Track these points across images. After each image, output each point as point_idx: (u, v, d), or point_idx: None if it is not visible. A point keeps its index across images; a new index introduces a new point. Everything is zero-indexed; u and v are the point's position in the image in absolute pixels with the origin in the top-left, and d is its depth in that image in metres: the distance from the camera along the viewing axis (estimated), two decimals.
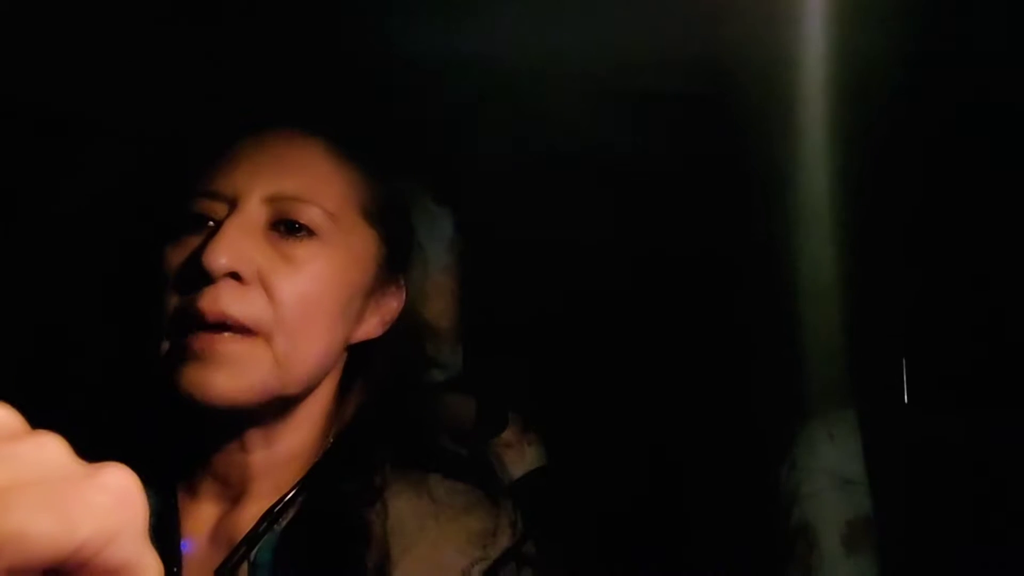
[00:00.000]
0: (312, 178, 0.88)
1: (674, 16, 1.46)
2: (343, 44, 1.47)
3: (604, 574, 1.66)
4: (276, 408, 0.86)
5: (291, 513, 0.86)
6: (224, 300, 0.81)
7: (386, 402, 0.93)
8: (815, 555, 1.46)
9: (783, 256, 1.74)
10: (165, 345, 0.84)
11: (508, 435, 1.49)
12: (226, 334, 0.81)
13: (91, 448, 0.89)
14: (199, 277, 0.82)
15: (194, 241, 0.85)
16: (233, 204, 0.85)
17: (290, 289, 0.84)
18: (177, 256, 0.85)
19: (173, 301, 0.84)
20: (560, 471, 1.54)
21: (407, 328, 0.96)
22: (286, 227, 0.85)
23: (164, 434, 0.89)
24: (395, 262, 0.95)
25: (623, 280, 1.94)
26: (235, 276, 0.82)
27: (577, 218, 1.85)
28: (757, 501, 1.58)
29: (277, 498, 0.86)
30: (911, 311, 1.67)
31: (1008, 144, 1.60)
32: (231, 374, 0.81)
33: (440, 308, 1.50)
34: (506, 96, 1.63)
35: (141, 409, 0.90)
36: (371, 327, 0.92)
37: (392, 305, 0.95)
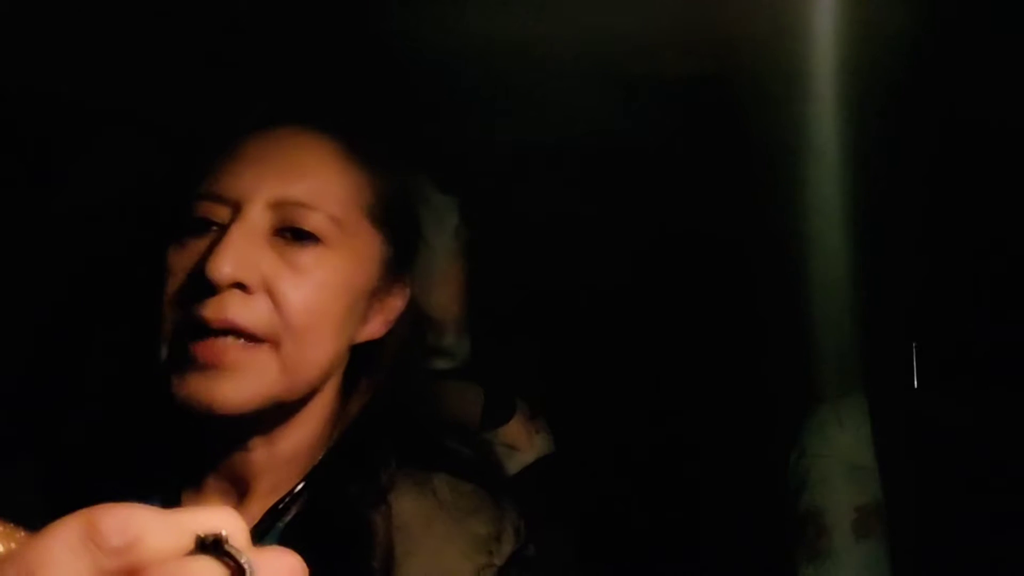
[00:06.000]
0: (318, 182, 0.87)
1: None
2: (347, 34, 1.46)
3: (611, 560, 1.67)
4: (278, 412, 0.86)
5: (294, 510, 0.86)
6: (230, 309, 0.80)
7: (390, 401, 0.93)
8: (825, 540, 1.46)
9: (792, 241, 1.73)
10: (165, 352, 0.83)
11: (516, 422, 1.49)
12: (231, 341, 0.80)
13: (94, 452, 0.89)
14: (203, 285, 0.80)
15: (198, 245, 0.83)
16: (237, 208, 0.83)
17: (296, 297, 0.83)
18: (180, 260, 0.84)
19: (175, 307, 0.83)
20: (568, 458, 1.54)
21: (410, 325, 0.95)
22: (291, 233, 0.84)
23: (166, 435, 0.88)
24: (400, 262, 0.94)
25: (631, 266, 1.93)
26: (240, 285, 0.81)
27: (584, 204, 1.84)
28: (767, 487, 1.58)
29: (280, 495, 0.86)
30: (920, 295, 1.66)
31: (1020, 126, 1.58)
32: (236, 383, 0.80)
33: (447, 297, 1.50)
34: (512, 83, 1.62)
35: (143, 412, 0.89)
36: (375, 327, 0.92)
37: (396, 304, 0.93)
